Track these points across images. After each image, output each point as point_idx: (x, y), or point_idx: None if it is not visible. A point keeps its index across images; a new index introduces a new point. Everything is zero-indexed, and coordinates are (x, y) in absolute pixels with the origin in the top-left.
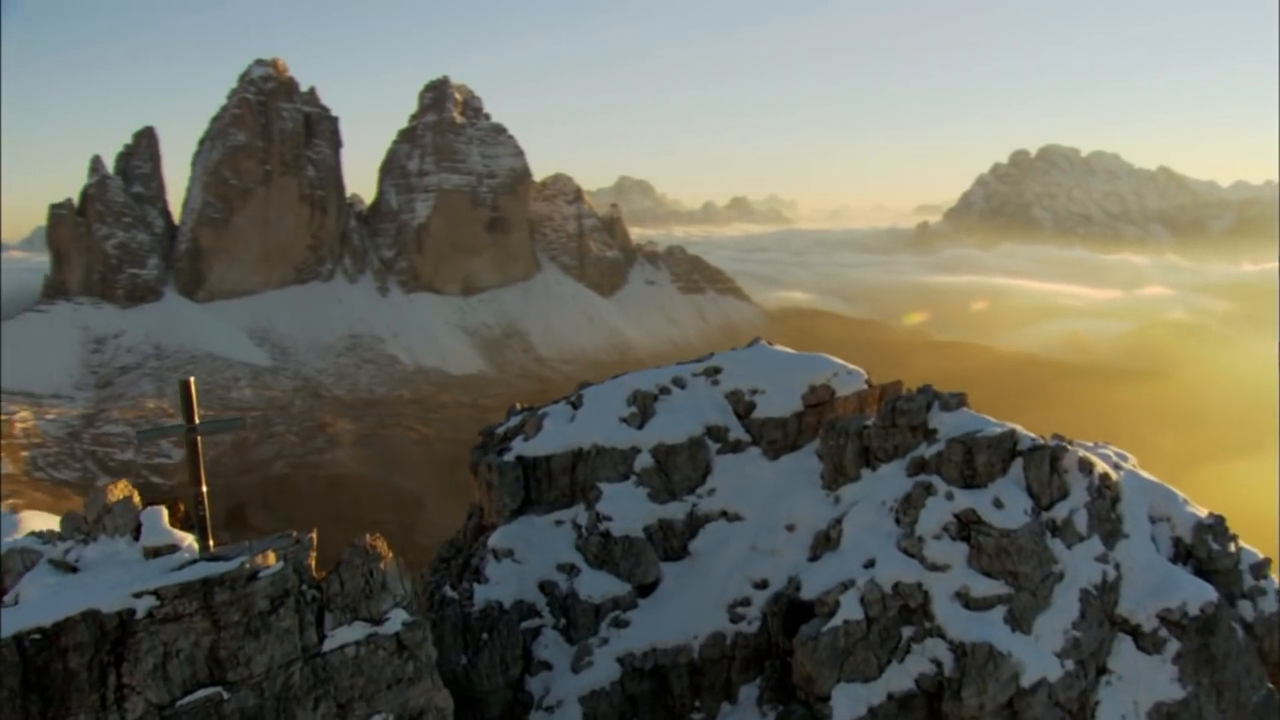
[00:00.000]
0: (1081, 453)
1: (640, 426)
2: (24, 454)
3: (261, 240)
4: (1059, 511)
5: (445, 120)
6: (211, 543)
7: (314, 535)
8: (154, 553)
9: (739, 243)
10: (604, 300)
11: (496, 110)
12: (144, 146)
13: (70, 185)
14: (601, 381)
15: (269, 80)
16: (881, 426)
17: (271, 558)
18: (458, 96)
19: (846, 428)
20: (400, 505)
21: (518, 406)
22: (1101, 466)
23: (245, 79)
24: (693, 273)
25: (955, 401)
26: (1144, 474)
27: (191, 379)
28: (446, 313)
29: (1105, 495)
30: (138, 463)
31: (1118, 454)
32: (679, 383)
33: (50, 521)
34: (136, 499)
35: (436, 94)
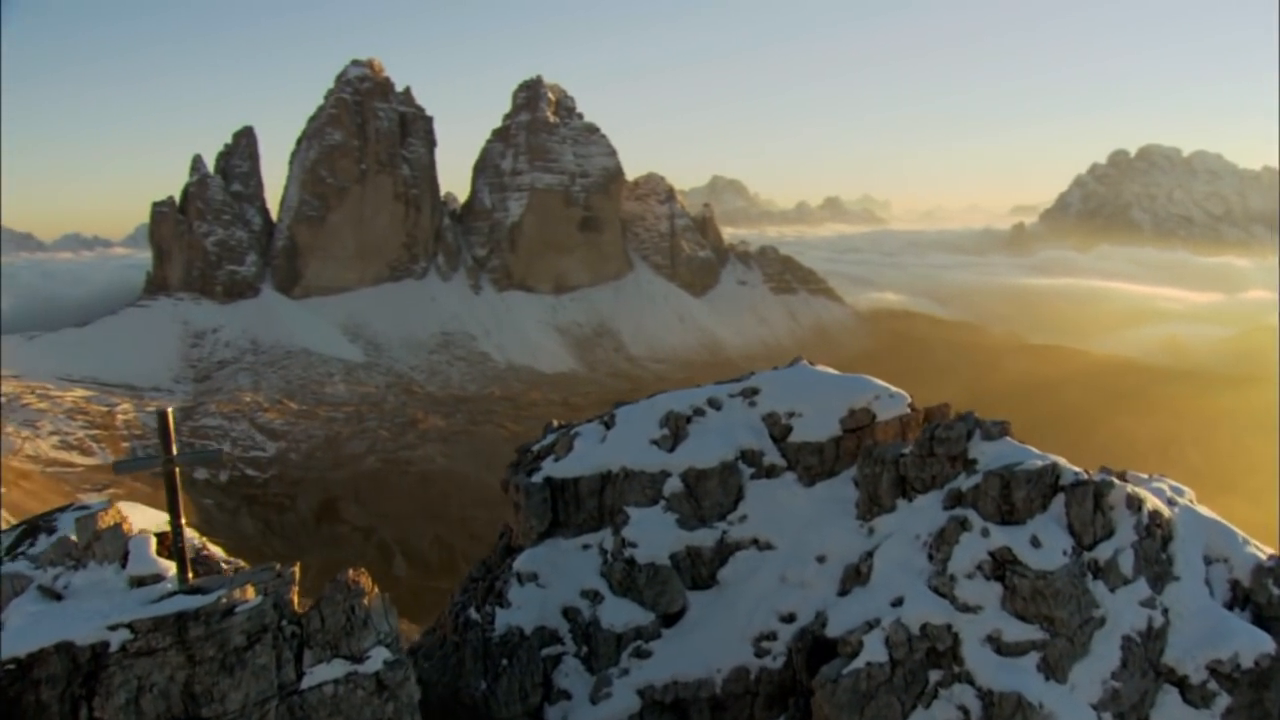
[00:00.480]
0: (1130, 488)
1: (671, 449)
2: (125, 445)
3: (357, 238)
4: (1102, 551)
5: (538, 120)
6: (190, 575)
7: (296, 570)
8: (139, 582)
9: (832, 243)
10: (695, 300)
11: (589, 110)
12: (243, 146)
13: (172, 184)
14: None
15: (365, 80)
16: (919, 455)
17: (250, 592)
18: (551, 96)
19: (883, 455)
20: (489, 502)
21: (554, 424)
22: (1153, 503)
23: (342, 79)
24: (784, 273)
25: (997, 430)
26: (1202, 510)
27: (169, 409)
28: (538, 311)
29: (1155, 534)
30: (233, 455)
31: (1173, 488)
32: (715, 403)
33: (143, 514)
34: (127, 526)
35: (530, 94)
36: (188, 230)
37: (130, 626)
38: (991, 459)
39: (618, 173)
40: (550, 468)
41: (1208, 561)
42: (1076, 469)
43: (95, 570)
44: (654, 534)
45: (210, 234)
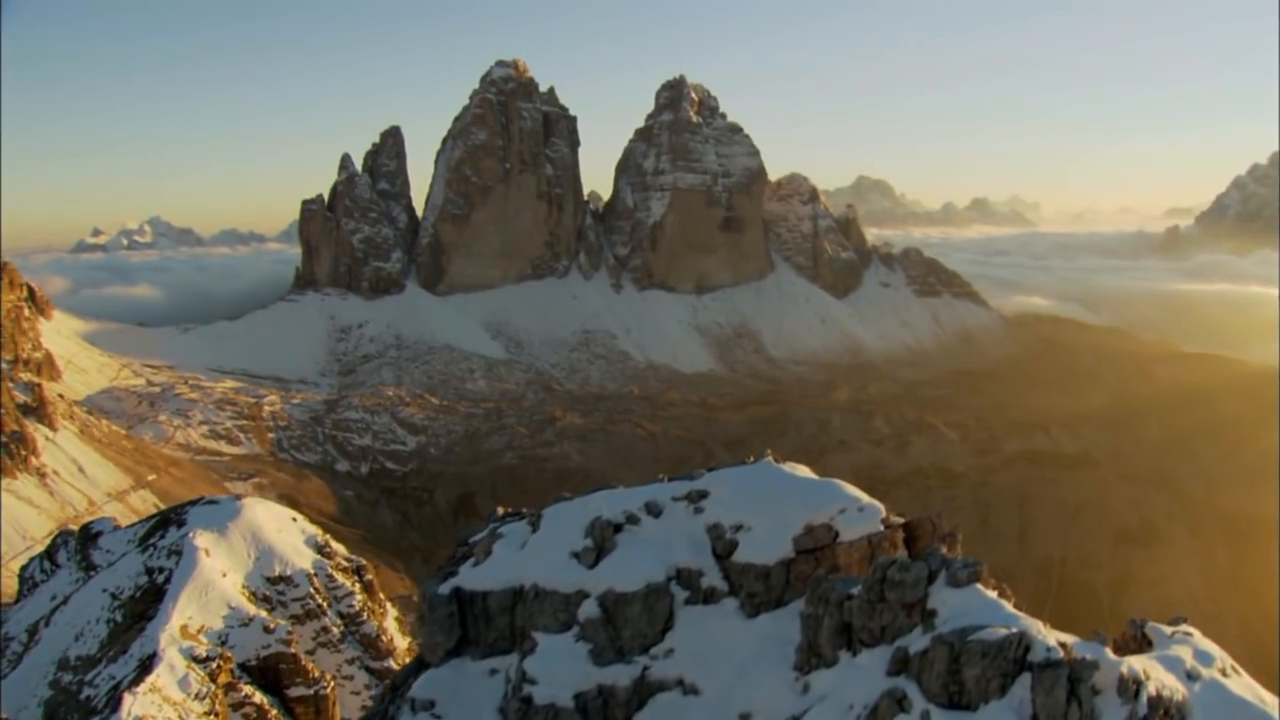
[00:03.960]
0: (1127, 665)
1: (593, 564)
2: (270, 435)
3: (500, 236)
4: None
5: (681, 119)
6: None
7: None
8: None
9: (979, 245)
10: (837, 301)
11: (733, 110)
12: (390, 145)
13: (322, 182)
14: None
15: (509, 80)
16: (868, 600)
17: None
18: (694, 96)
19: (829, 594)
20: None
21: (499, 512)
22: (1156, 684)
23: (487, 79)
24: (929, 275)
25: (967, 575)
26: (1232, 686)
27: None
28: (679, 310)
29: None
30: (374, 449)
31: (1199, 653)
32: (653, 509)
33: (271, 511)
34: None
35: (673, 93)
36: (336, 227)
37: None
38: (953, 614)
39: (760, 173)
40: (464, 575)
41: None
42: (1051, 643)
43: None
44: (561, 668)
45: (357, 231)
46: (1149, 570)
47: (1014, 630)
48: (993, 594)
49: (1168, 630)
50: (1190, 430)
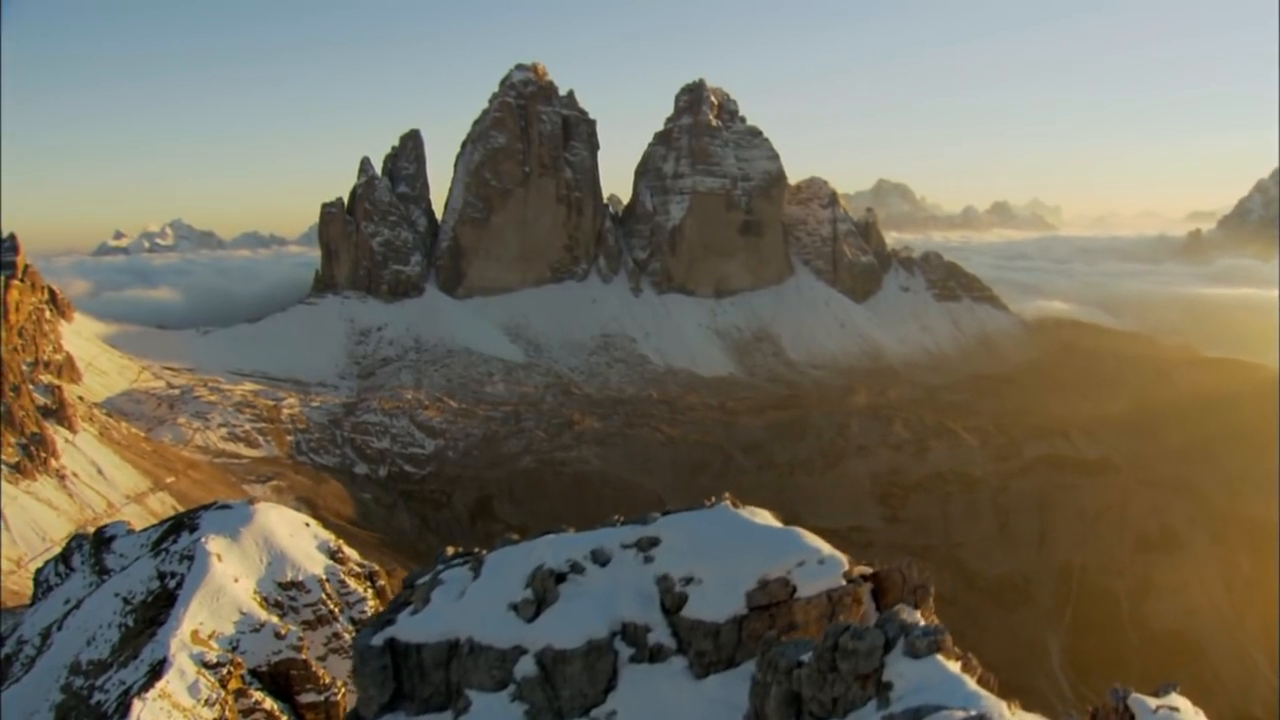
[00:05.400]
0: None
1: (533, 618)
2: (289, 438)
3: (519, 239)
4: None
5: (701, 123)
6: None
7: None
8: None
9: (999, 249)
10: (857, 306)
11: (752, 113)
12: (409, 148)
13: (342, 185)
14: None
15: (529, 84)
16: (818, 670)
17: None
18: (713, 99)
19: (778, 660)
20: (642, 505)
21: (448, 552)
22: None
23: (506, 83)
24: (948, 279)
25: (926, 644)
26: None
27: None
28: (698, 314)
29: None
30: (393, 452)
31: None
32: (600, 557)
33: (283, 516)
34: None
35: (692, 97)
36: (355, 230)
37: None
38: (910, 688)
39: (780, 176)
40: (400, 625)
41: None
42: None
43: None
44: None
45: (377, 234)
46: (1170, 577)
47: (973, 713)
48: (955, 665)
49: (1153, 704)
50: (1212, 436)
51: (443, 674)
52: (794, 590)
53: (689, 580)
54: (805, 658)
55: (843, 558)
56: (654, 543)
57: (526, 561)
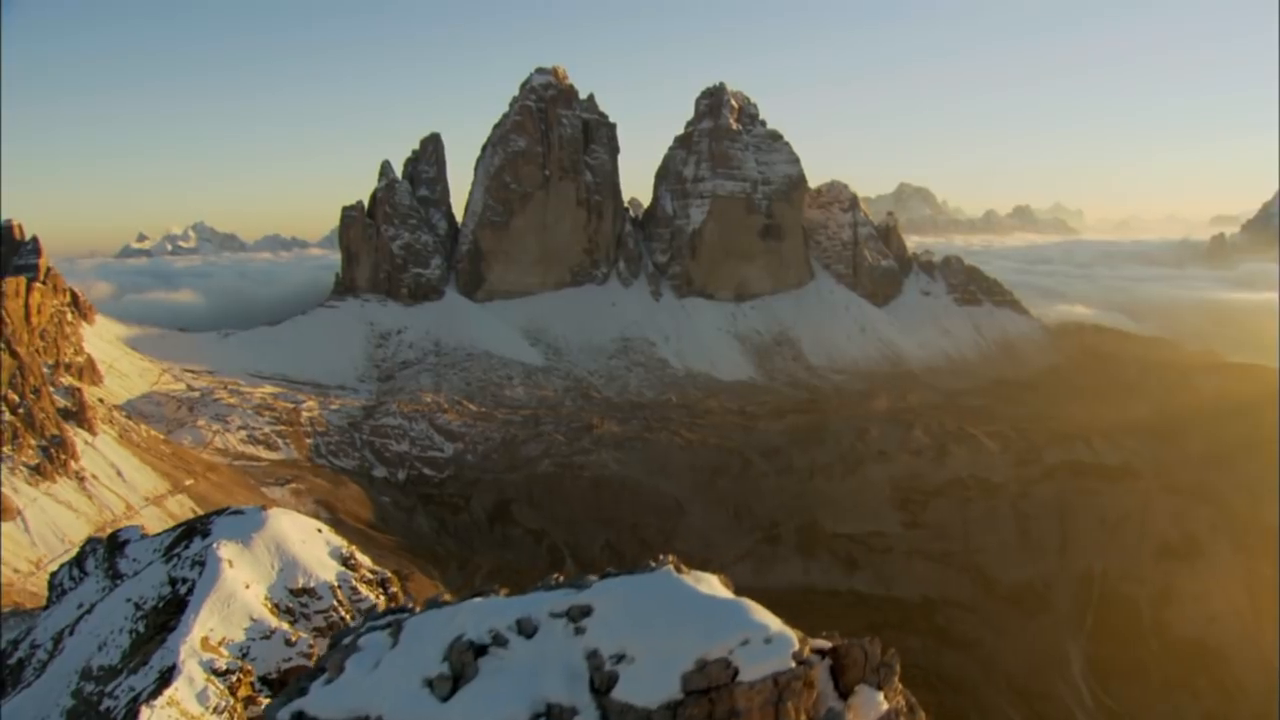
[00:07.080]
0: None
1: (448, 696)
2: (308, 441)
3: (539, 243)
4: None
5: (721, 127)
6: None
7: None
8: None
9: (1021, 253)
10: (877, 310)
11: (773, 117)
12: (430, 151)
13: (362, 188)
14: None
15: (549, 88)
16: None
17: None
18: (734, 103)
19: None
20: (661, 509)
21: (379, 606)
22: None
23: (526, 86)
24: (969, 283)
25: None
26: None
27: None
28: (718, 318)
29: None
30: (412, 455)
31: None
32: (526, 628)
33: (296, 522)
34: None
35: (713, 101)
36: (376, 234)
37: None
38: None
39: (800, 180)
40: (313, 696)
41: None
42: None
43: None
44: None
45: (397, 238)
46: (1191, 585)
47: None
48: None
49: None
50: (1235, 442)
51: None
52: (735, 673)
53: (620, 658)
54: None
55: (793, 635)
56: (586, 612)
57: (448, 629)
